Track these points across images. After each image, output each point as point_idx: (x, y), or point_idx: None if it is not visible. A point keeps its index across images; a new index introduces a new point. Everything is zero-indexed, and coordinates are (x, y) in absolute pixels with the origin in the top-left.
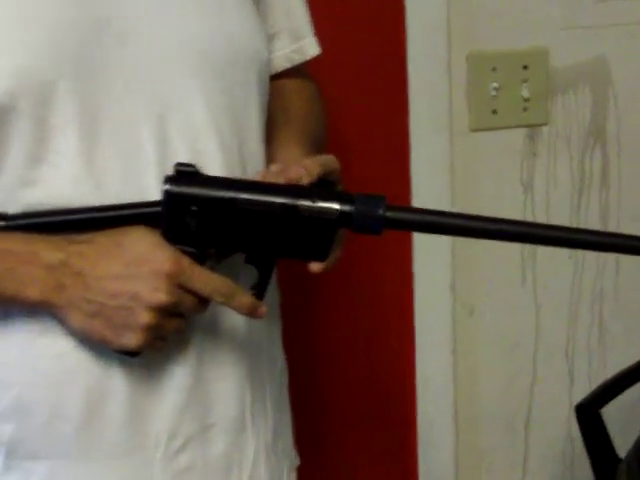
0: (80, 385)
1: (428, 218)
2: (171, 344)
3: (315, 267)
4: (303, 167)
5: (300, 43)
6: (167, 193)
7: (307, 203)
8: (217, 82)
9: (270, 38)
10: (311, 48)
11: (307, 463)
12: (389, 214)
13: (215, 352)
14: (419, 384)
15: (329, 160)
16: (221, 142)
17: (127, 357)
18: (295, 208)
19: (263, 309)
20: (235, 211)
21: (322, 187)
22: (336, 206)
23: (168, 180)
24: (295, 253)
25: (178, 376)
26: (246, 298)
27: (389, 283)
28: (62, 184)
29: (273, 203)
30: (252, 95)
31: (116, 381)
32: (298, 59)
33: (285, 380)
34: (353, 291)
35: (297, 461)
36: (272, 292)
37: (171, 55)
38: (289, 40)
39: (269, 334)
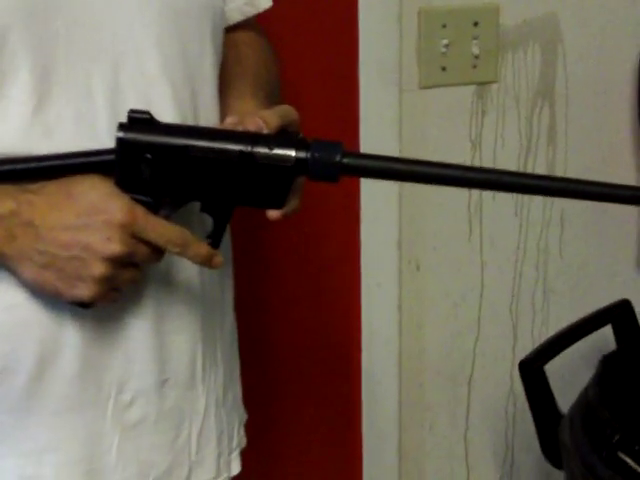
0: (33, 337)
1: (385, 164)
2: (126, 296)
3: (273, 215)
4: (261, 119)
5: None
6: (120, 141)
7: (263, 150)
8: (171, 32)
9: None
10: (264, 1)
11: (253, 417)
12: (346, 160)
13: (169, 306)
14: (364, 339)
15: (287, 111)
16: (174, 92)
17: (80, 309)
18: (251, 155)
19: (219, 259)
20: (190, 159)
21: (279, 134)
22: (292, 153)
23: (121, 127)
24: (251, 201)
25: (130, 328)
26: (202, 248)
27: (335, 239)
28: (11, 130)
29: (229, 150)
30: (206, 46)
31: (69, 333)
32: (250, 12)
33: (235, 335)
34: (300, 247)
35: (245, 416)
36: (225, 245)
37: (125, 3)
38: None
39: (221, 287)
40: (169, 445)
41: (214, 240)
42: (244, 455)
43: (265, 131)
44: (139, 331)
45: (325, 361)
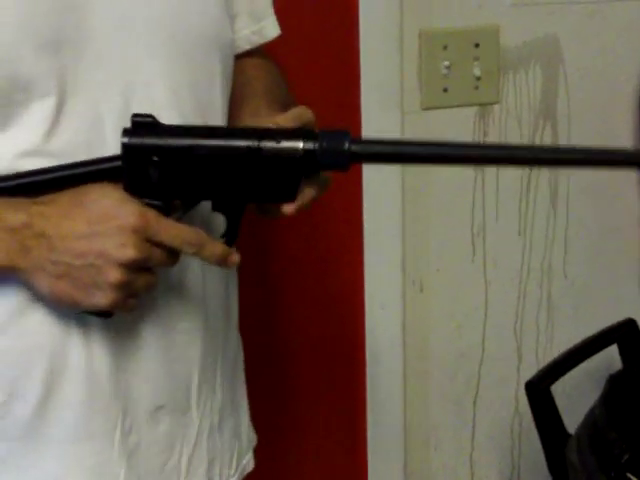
0: (40, 363)
1: (394, 148)
2: (132, 322)
3: (287, 209)
4: (276, 124)
5: (260, 24)
6: (125, 146)
7: (270, 144)
8: (181, 63)
9: (231, 19)
10: (271, 30)
11: (261, 447)
12: (354, 148)
13: (173, 332)
14: (369, 360)
15: (302, 113)
16: (184, 120)
17: (101, 318)
18: (259, 150)
19: (235, 257)
20: (197, 158)
21: (285, 128)
22: (300, 144)
23: (126, 133)
24: (262, 196)
25: (136, 358)
26: (217, 247)
27: (339, 261)
28: (20, 158)
29: (236, 147)
30: (215, 76)
31: (76, 360)
32: (258, 41)
33: (241, 356)
34: (303, 268)
35: (254, 441)
36: None
37: (136, 35)
38: (249, 21)
39: (227, 307)
40: (159, 469)
41: (228, 239)
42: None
43: None
44: (144, 359)
45: (330, 382)
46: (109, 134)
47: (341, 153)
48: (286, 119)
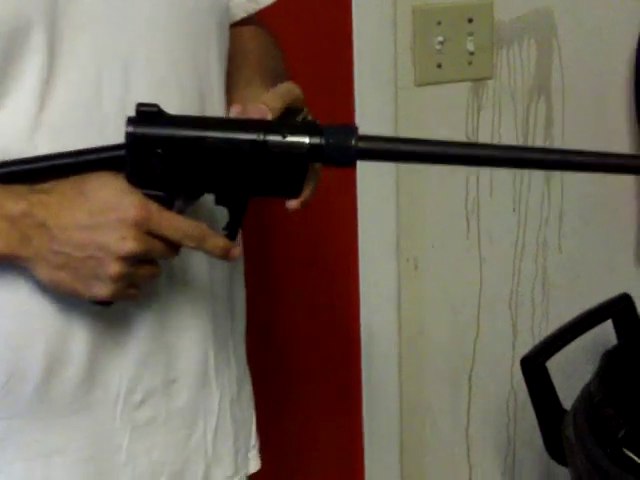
0: (40, 345)
1: (400, 147)
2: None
3: (292, 204)
4: (264, 104)
5: None
6: (130, 135)
7: (277, 138)
8: (180, 33)
9: None
10: None
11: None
12: (361, 144)
13: (177, 306)
14: (364, 337)
15: (289, 89)
16: (181, 94)
17: (101, 307)
18: (264, 144)
19: (236, 250)
20: (202, 150)
21: (290, 120)
22: (306, 140)
23: (130, 122)
24: (266, 190)
25: (139, 330)
26: (218, 240)
27: (333, 239)
28: (16, 131)
29: (241, 140)
30: (213, 45)
31: (77, 339)
32: (253, 8)
33: (244, 329)
34: (297, 247)
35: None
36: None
37: (134, 5)
38: None
39: (231, 285)
40: (182, 444)
41: (230, 232)
42: None
43: (269, 116)
44: (147, 333)
45: (325, 360)
46: (109, 107)
47: (347, 149)
48: (274, 96)
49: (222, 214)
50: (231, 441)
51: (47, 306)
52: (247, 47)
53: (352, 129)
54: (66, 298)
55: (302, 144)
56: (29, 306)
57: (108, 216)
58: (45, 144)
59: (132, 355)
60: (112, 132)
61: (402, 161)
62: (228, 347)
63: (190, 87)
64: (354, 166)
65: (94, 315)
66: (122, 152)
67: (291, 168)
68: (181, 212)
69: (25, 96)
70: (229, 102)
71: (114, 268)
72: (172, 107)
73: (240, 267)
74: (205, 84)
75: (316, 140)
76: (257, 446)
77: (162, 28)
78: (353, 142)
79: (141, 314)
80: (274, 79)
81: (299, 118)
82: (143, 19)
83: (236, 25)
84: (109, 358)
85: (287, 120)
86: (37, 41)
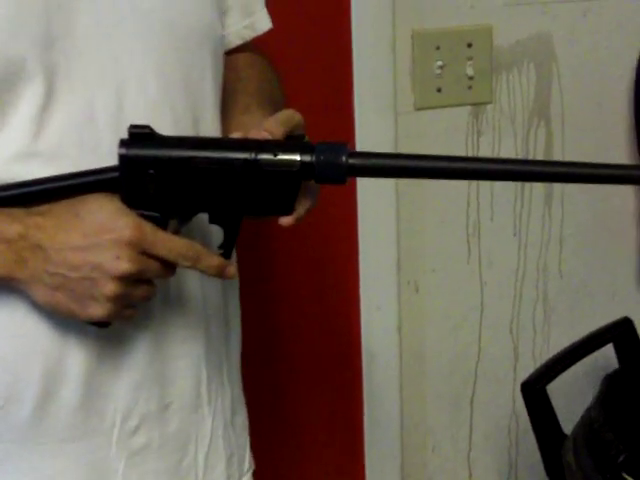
0: (37, 368)
1: (391, 162)
2: (127, 324)
3: (285, 221)
4: (266, 130)
5: (251, 19)
6: (122, 157)
7: (268, 157)
8: (172, 58)
9: (222, 14)
10: (262, 23)
11: (257, 440)
12: (352, 161)
13: (171, 330)
14: (365, 361)
15: (290, 115)
16: (174, 118)
17: (97, 328)
18: (256, 162)
19: (232, 269)
20: (194, 170)
21: (283, 140)
22: (297, 157)
23: (123, 144)
24: (259, 209)
25: (134, 355)
26: (213, 259)
27: (334, 262)
28: (12, 158)
29: (233, 159)
30: (207, 71)
31: (73, 362)
32: (250, 35)
33: (239, 353)
34: (298, 270)
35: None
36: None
37: (127, 31)
38: (241, 16)
39: (226, 304)
40: (174, 469)
41: (225, 251)
42: None
43: None
44: (142, 358)
45: (326, 383)
46: (102, 131)
47: (338, 166)
48: (275, 123)
49: (217, 232)
50: (223, 466)
51: (44, 328)
52: (244, 74)
53: (343, 146)
54: (62, 320)
55: (293, 162)
56: (26, 328)
57: (103, 237)
58: (41, 168)
59: (128, 379)
60: (106, 155)
61: (394, 176)
62: (222, 371)
63: (183, 110)
64: (345, 183)
65: (90, 337)
66: (116, 174)
67: (283, 186)
68: (176, 232)
69: (22, 122)
70: (227, 128)
71: (109, 288)
72: (165, 130)
73: (235, 287)
74: (199, 108)
75: (307, 157)
76: (251, 471)
77: (155, 53)
78: (344, 159)
79: (136, 335)
80: (272, 105)
81: None
82: (136, 44)
83: (233, 52)
84: (106, 381)
85: (280, 140)
86: (33, 68)
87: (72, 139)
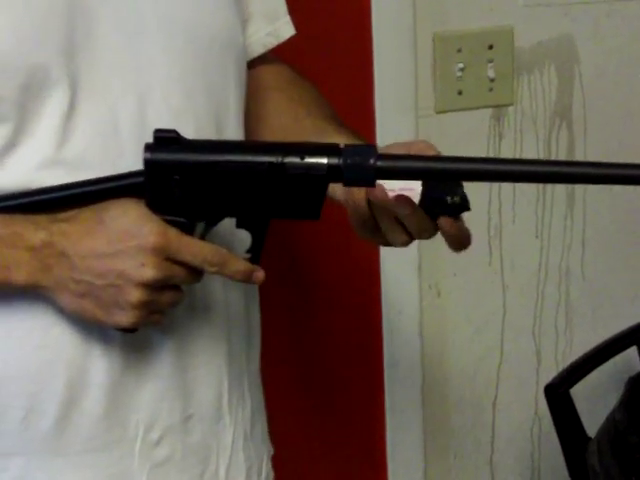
0: (60, 378)
1: (420, 164)
2: (149, 335)
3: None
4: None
5: (274, 25)
6: (147, 162)
7: (295, 160)
8: (195, 66)
9: (244, 22)
10: (286, 30)
11: (278, 456)
12: (380, 163)
13: (194, 340)
14: (387, 366)
15: (427, 148)
16: (197, 126)
17: (122, 335)
18: (282, 166)
19: (260, 274)
20: (220, 175)
21: (309, 143)
22: (324, 160)
23: (148, 148)
24: (286, 212)
25: (158, 365)
26: (240, 264)
27: (356, 267)
28: (35, 168)
29: (259, 163)
30: (230, 80)
31: (96, 374)
32: (273, 43)
33: (259, 362)
34: (319, 276)
35: (272, 450)
36: None
37: (150, 39)
38: (263, 23)
39: (247, 311)
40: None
41: (254, 255)
42: None
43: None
44: (165, 368)
45: (348, 388)
46: (126, 140)
47: (366, 169)
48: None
49: (245, 236)
50: (243, 477)
51: (68, 338)
52: (295, 95)
53: (371, 148)
54: (86, 330)
55: (320, 165)
56: (50, 338)
57: (127, 243)
58: (65, 177)
59: (151, 389)
60: (130, 163)
61: (423, 179)
62: (243, 381)
63: (206, 119)
64: (374, 186)
65: (114, 347)
66: (141, 178)
67: (310, 190)
68: (202, 237)
69: (46, 130)
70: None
71: (134, 295)
72: (188, 137)
73: (255, 295)
74: (222, 116)
75: (334, 161)
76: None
77: (178, 61)
78: (372, 161)
79: (160, 345)
80: (345, 127)
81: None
82: (159, 53)
83: (256, 61)
84: (129, 392)
85: (306, 143)
86: (57, 77)
87: (96, 148)
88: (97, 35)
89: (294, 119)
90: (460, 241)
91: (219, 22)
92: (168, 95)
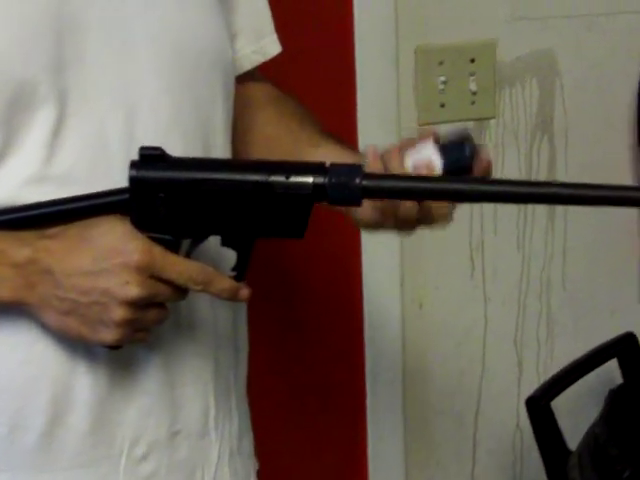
0: (44, 394)
1: (407, 184)
2: (136, 351)
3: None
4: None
5: (261, 43)
6: (132, 179)
7: (280, 179)
8: (183, 81)
9: (231, 38)
10: (272, 47)
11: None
12: (366, 183)
13: (181, 356)
14: (369, 378)
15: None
16: (185, 142)
17: (107, 351)
18: (268, 185)
19: (245, 291)
20: (205, 193)
21: (295, 161)
22: (310, 180)
23: (133, 165)
24: (272, 231)
25: (144, 381)
26: (225, 282)
27: (338, 280)
28: (24, 182)
29: (245, 182)
30: (217, 95)
31: (81, 389)
32: (259, 60)
33: (246, 378)
34: (301, 287)
35: (257, 465)
36: None
37: (138, 54)
38: (249, 40)
39: (235, 327)
40: None
41: (239, 273)
42: None
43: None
44: (151, 384)
45: (330, 400)
46: (114, 155)
47: (352, 188)
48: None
49: (230, 254)
50: None
51: (52, 354)
52: (286, 110)
53: (357, 168)
54: (71, 346)
55: (306, 184)
56: (35, 354)
57: (111, 261)
58: (53, 192)
59: (137, 405)
60: (118, 179)
61: (408, 198)
62: (230, 397)
63: (194, 132)
64: (360, 205)
65: (100, 363)
66: (127, 196)
67: (295, 209)
68: (188, 254)
69: (34, 146)
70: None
71: (119, 313)
72: (175, 153)
73: (243, 311)
74: (210, 130)
75: (320, 180)
76: None
77: (166, 77)
78: (357, 181)
79: (146, 362)
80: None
81: None
82: (147, 68)
83: (246, 81)
84: (115, 408)
85: (292, 161)
86: (45, 92)
87: (84, 163)
88: (86, 51)
89: (288, 130)
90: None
91: (207, 37)
92: (156, 110)
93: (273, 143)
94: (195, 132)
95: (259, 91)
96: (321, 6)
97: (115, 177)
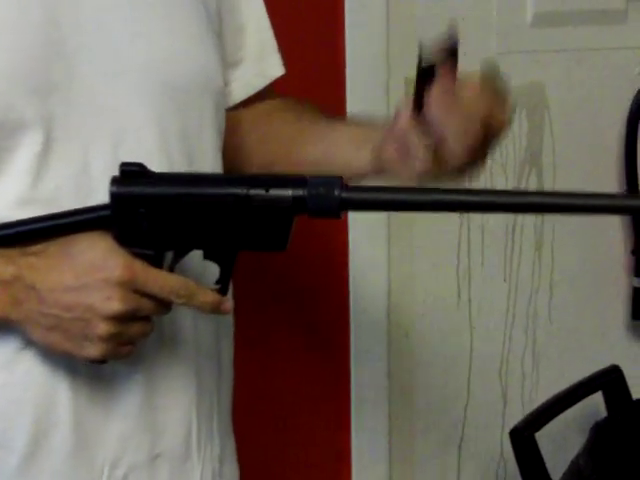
0: (27, 416)
1: (386, 196)
2: (117, 373)
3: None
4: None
5: (262, 64)
6: (113, 195)
7: (260, 192)
8: (170, 109)
9: (236, 64)
10: (274, 69)
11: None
12: (345, 195)
13: (163, 380)
14: (354, 405)
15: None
16: (171, 165)
17: (89, 369)
18: (248, 198)
19: (228, 304)
20: (185, 207)
21: (275, 175)
22: (289, 192)
23: (114, 182)
24: (253, 244)
25: (125, 404)
26: (207, 295)
27: (325, 306)
28: (8, 205)
29: (224, 195)
30: (206, 123)
31: (63, 412)
32: (262, 83)
33: (230, 401)
34: (289, 313)
35: None
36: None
37: (126, 81)
38: (253, 65)
39: (219, 354)
40: None
41: (222, 286)
42: None
43: None
44: (132, 407)
45: (315, 428)
46: (97, 180)
47: (332, 200)
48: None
49: (214, 267)
50: None
51: (34, 376)
52: (305, 114)
53: (337, 180)
54: (53, 367)
55: (285, 197)
56: (16, 376)
57: (94, 277)
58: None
59: (118, 427)
60: (101, 202)
61: (389, 210)
62: (212, 420)
63: (180, 160)
64: (340, 217)
65: (82, 384)
66: (108, 212)
67: (276, 221)
68: (171, 268)
69: (20, 170)
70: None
71: (102, 328)
72: None
73: (229, 331)
74: (196, 158)
75: (299, 192)
76: None
77: (153, 104)
78: (337, 192)
79: (128, 383)
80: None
81: None
82: (135, 95)
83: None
84: (96, 429)
85: (272, 174)
86: (32, 117)
87: (68, 187)
88: (74, 76)
89: (310, 121)
90: None
91: (197, 65)
92: (142, 137)
93: (294, 139)
94: (181, 159)
95: (266, 104)
96: (313, 37)
97: (99, 201)
